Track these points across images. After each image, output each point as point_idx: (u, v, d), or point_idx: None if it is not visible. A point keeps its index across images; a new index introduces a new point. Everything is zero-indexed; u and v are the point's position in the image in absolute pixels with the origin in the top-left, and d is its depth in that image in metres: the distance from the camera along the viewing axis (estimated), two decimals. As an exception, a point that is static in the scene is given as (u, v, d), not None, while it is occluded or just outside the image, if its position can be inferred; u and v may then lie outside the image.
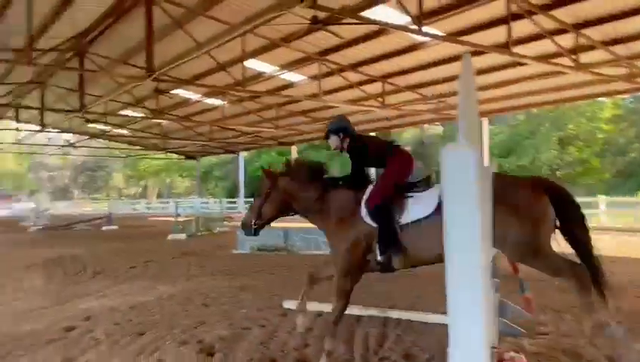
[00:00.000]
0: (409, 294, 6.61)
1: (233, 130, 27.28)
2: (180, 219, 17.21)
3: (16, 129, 27.41)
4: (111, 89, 21.25)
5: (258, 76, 17.01)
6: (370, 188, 4.14)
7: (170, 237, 15.67)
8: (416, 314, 5.30)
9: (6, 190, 63.89)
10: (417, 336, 4.71)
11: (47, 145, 34.67)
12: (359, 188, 4.19)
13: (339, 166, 26.39)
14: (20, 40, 15.97)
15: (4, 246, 14.10)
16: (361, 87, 16.62)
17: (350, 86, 16.59)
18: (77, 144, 34.70)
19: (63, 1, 13.50)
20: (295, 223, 9.27)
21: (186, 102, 22.81)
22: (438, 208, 3.50)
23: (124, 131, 30.98)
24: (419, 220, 3.84)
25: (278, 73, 16.59)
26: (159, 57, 13.51)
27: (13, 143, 30.42)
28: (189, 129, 27.46)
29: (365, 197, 4.09)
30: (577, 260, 3.63)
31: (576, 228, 3.70)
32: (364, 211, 4.04)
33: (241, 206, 29.89)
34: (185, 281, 8.09)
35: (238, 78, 14.78)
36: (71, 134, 33.88)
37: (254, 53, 14.84)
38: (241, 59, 14.39)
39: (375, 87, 16.93)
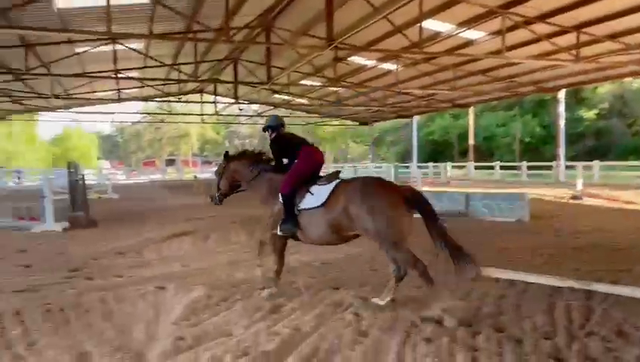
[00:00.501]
0: (613, 268, 6.01)
1: (407, 93, 27.09)
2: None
3: (214, 102, 30.85)
4: (293, 60, 22.61)
5: (435, 36, 16.54)
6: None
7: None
8: (626, 289, 4.81)
9: (207, 156, 73.01)
10: (628, 313, 4.30)
11: (239, 115, 38.42)
12: (282, 174, 5.28)
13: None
14: (216, 21, 17.86)
15: (212, 205, 16.14)
16: (550, 40, 15.11)
17: (537, 39, 15.19)
18: (264, 114, 37.87)
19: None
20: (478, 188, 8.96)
21: (361, 68, 23.22)
22: (326, 202, 4.74)
23: (304, 100, 32.84)
24: (309, 209, 4.89)
25: (457, 31, 15.91)
26: (337, 26, 13.95)
27: (212, 114, 34.32)
28: (363, 95, 27.95)
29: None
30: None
31: (431, 223, 4.52)
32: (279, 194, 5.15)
33: (415, 170, 29.79)
34: (370, 242, 8.43)
35: (414, 40, 14.54)
36: (258, 105, 37.04)
37: (432, 13, 14.43)
38: (417, 20, 14.07)
39: (567, 39, 15.26)
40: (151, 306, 4.91)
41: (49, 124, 60.52)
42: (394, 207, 4.51)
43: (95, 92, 28.72)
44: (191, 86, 31.91)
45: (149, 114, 38.68)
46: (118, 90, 27.27)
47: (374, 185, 4.74)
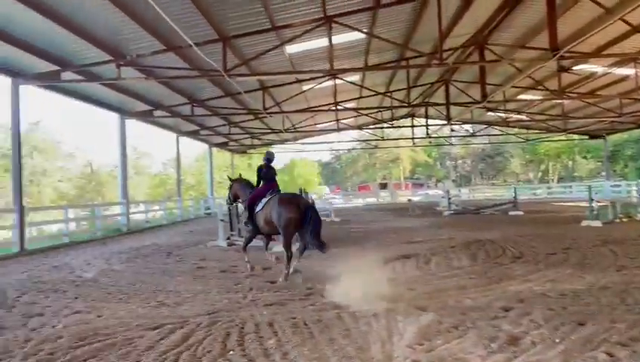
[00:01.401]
0: None
1: (651, 99, 23.39)
2: (596, 203, 15.88)
3: (426, 124, 31.00)
4: (510, 75, 21.53)
5: (687, 30, 14.05)
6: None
7: (584, 223, 14.73)
8: None
9: (419, 178, 73.57)
10: None
11: (451, 136, 37.88)
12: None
13: None
14: (428, 45, 18.06)
15: (429, 228, 16.18)
16: None
17: None
18: (477, 133, 36.67)
19: (464, 4, 14.55)
20: None
21: (590, 76, 20.91)
22: (263, 207, 8.03)
23: (522, 116, 30.84)
24: (257, 212, 8.17)
25: None
26: (560, 34, 12.90)
27: (424, 137, 34.50)
28: (594, 105, 25.01)
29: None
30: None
31: (310, 225, 7.48)
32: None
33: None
34: (614, 272, 7.44)
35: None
36: (470, 125, 36.05)
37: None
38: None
39: None
40: (383, 327, 5.09)
41: (279, 156, 67.92)
42: (288, 211, 7.58)
43: (317, 124, 31.49)
44: (403, 111, 32.73)
45: (363, 141, 40.69)
46: (337, 120, 29.39)
47: (282, 198, 7.89)
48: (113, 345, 4.83)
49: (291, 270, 7.85)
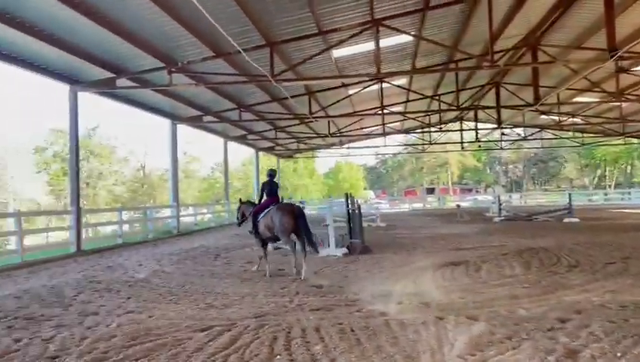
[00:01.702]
0: None
1: None
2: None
3: (475, 128, 30.29)
4: (564, 77, 20.78)
5: None
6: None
7: (645, 232, 14.01)
8: None
9: (468, 183, 72.00)
10: None
11: (501, 140, 36.88)
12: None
13: None
14: (478, 48, 17.66)
15: (478, 234, 15.77)
16: None
17: None
18: (529, 137, 35.54)
19: (516, 4, 14.15)
20: None
21: (652, 77, 19.90)
22: (264, 216, 9.18)
23: (577, 119, 29.68)
24: (260, 219, 9.33)
25: None
26: (618, 34, 12.36)
27: (473, 142, 33.74)
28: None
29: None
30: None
31: (302, 227, 8.84)
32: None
33: None
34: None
35: None
36: (522, 128, 34.94)
37: None
38: None
39: None
40: (433, 336, 4.95)
41: (324, 160, 68.18)
42: (284, 218, 8.82)
43: (363, 128, 31.37)
44: (451, 115, 32.13)
45: (410, 145, 40.21)
46: (383, 124, 29.13)
47: (279, 207, 9.10)
48: (163, 346, 4.92)
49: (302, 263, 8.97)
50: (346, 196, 12.76)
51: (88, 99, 16.02)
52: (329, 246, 11.85)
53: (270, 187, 9.65)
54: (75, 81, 14.33)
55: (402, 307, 6.24)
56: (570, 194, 23.21)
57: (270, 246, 13.06)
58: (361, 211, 12.59)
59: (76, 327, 5.78)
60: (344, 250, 11.71)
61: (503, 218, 22.34)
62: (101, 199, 44.66)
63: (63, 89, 14.42)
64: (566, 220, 20.06)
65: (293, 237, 9.04)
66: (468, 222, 22.08)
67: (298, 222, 8.82)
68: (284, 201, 10.57)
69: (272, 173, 9.82)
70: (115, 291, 8.04)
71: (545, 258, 9.96)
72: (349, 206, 12.37)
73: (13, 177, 35.60)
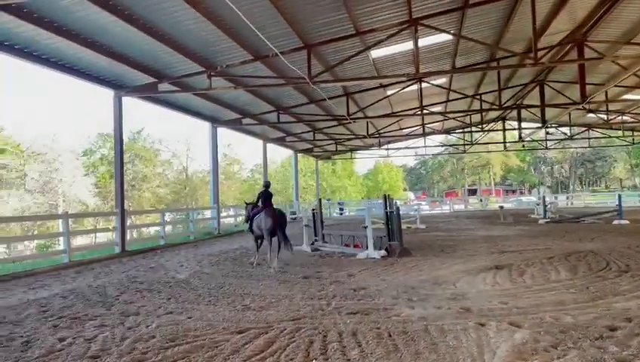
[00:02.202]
0: None
1: None
2: None
3: (519, 128, 29.49)
4: (612, 74, 19.99)
5: None
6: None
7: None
8: None
9: (511, 184, 70.22)
10: None
11: (546, 140, 35.77)
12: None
13: None
14: (521, 45, 17.18)
15: (522, 237, 15.31)
16: None
17: None
18: (575, 136, 34.34)
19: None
20: None
21: None
22: (257, 218, 11.22)
23: (626, 117, 28.50)
24: (254, 219, 11.35)
25: None
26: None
27: (516, 141, 32.86)
28: None
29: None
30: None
31: (279, 229, 10.75)
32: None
33: None
34: None
35: None
36: (568, 127, 33.81)
37: None
38: None
39: None
40: (474, 343, 4.80)
41: (363, 161, 67.94)
42: (267, 220, 10.72)
43: (402, 129, 31.06)
44: (493, 114, 31.41)
45: (451, 145, 39.53)
46: (422, 125, 28.77)
47: (266, 212, 10.91)
48: (201, 347, 4.96)
49: (275, 258, 10.81)
50: (385, 197, 12.61)
51: (133, 104, 16.48)
52: (367, 248, 11.75)
53: (265, 195, 11.50)
54: (119, 87, 14.77)
55: (442, 312, 6.09)
56: (619, 195, 22.22)
57: (308, 247, 13.16)
58: (400, 213, 12.40)
59: (117, 327, 5.91)
60: (382, 252, 11.58)
61: (548, 220, 21.63)
62: (145, 201, 45.93)
63: (108, 94, 14.90)
64: (615, 222, 19.20)
65: (277, 236, 10.86)
66: (511, 224, 21.49)
67: (277, 225, 10.81)
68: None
69: (267, 185, 11.93)
70: (156, 291, 8.19)
71: (593, 262, 9.54)
72: (388, 207, 12.21)
73: (62, 180, 37.02)
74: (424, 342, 4.88)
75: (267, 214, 10.97)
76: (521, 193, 68.47)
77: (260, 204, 11.51)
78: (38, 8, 10.12)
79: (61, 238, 13.12)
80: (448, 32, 13.79)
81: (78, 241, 32.82)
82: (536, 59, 12.75)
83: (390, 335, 5.14)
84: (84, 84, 14.61)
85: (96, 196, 39.37)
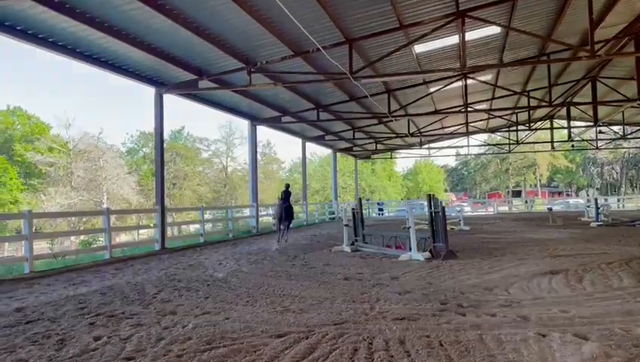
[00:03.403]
0: None
1: None
2: None
3: (568, 127, 28.23)
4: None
5: None
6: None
7: None
8: None
9: (557, 185, 67.74)
10: None
11: (597, 139, 34.18)
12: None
13: None
14: (573, 39, 16.29)
15: (575, 240, 14.47)
16: None
17: None
18: (628, 136, 32.67)
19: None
20: None
21: None
22: (275, 209, 16.46)
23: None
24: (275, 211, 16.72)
25: None
26: None
27: (565, 141, 31.52)
28: None
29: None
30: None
31: (285, 218, 15.52)
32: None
33: None
34: None
35: None
36: (619, 126, 32.21)
37: None
38: None
39: None
40: (537, 355, 4.33)
41: (402, 160, 67.02)
42: (277, 211, 15.59)
43: (444, 127, 30.24)
44: (541, 113, 30.23)
45: (495, 145, 38.31)
46: (466, 123, 27.92)
47: (279, 204, 15.53)
48: (239, 352, 4.68)
49: (280, 240, 15.36)
50: (429, 197, 12.11)
51: (175, 102, 16.57)
52: (410, 249, 11.29)
53: (285, 194, 15.86)
54: (160, 84, 14.79)
55: (497, 320, 5.61)
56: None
57: (348, 248, 12.80)
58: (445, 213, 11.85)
59: (154, 327, 5.71)
60: (427, 254, 11.09)
61: (600, 223, 20.52)
62: (186, 199, 46.59)
63: (149, 91, 14.94)
64: (676, 227, 18.01)
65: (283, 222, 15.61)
66: (561, 226, 20.49)
67: (284, 214, 15.46)
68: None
69: (287, 186, 16.35)
70: (194, 290, 8.01)
71: (661, 269, 8.79)
72: (432, 207, 11.70)
73: (106, 177, 37.92)
74: (480, 354, 4.44)
75: (279, 207, 15.66)
76: (568, 195, 65.97)
77: (279, 199, 15.81)
78: (77, 2, 10.15)
79: (103, 234, 13.17)
80: (498, 24, 13.13)
81: (122, 238, 33.60)
82: (593, 51, 11.97)
83: (442, 345, 4.72)
84: (125, 82, 14.72)
85: (139, 194, 40.16)
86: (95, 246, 20.92)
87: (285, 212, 15.35)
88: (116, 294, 7.85)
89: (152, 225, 15.70)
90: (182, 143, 50.10)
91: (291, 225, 16.84)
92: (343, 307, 6.50)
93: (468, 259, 10.81)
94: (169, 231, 16.19)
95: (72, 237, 32.67)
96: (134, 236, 32.86)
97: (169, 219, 37.21)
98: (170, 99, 15.84)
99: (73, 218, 34.75)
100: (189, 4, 10.69)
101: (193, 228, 22.35)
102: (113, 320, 6.16)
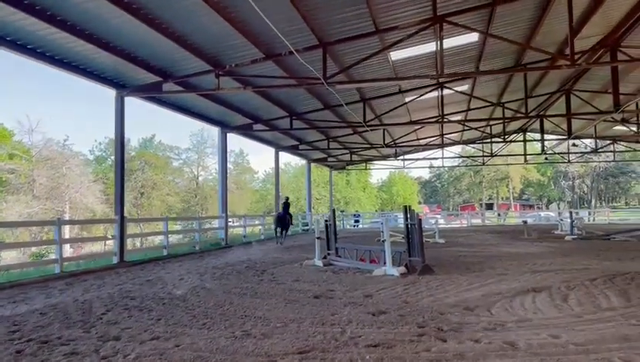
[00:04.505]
0: None
1: None
2: None
3: (541, 140, 28.24)
4: (647, 82, 18.84)
5: None
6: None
7: None
8: None
9: (528, 198, 68.39)
10: None
11: (568, 152, 34.40)
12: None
13: None
14: (549, 50, 16.09)
15: (553, 254, 14.09)
16: None
17: None
18: (600, 149, 32.95)
19: (596, 2, 12.74)
20: None
21: None
22: (275, 217, 20.56)
23: (655, 129, 27.13)
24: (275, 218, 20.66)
25: None
26: None
27: (538, 154, 31.57)
28: None
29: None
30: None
31: (283, 224, 19.65)
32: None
33: None
34: None
35: None
36: (590, 139, 32.47)
37: None
38: None
39: None
40: (532, 395, 3.71)
41: (377, 172, 66.84)
42: (276, 219, 19.89)
43: (419, 139, 29.95)
44: (513, 126, 30.23)
45: (469, 157, 38.25)
46: (442, 135, 27.68)
47: (279, 213, 20.19)
48: (183, 390, 3.93)
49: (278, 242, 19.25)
50: (405, 209, 11.53)
51: (146, 110, 15.70)
52: (385, 264, 10.66)
53: (284, 205, 19.62)
54: (121, 86, 13.92)
55: (481, 347, 4.99)
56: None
57: (320, 262, 12.11)
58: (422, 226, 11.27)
59: (89, 357, 4.93)
60: (402, 268, 10.48)
61: (575, 236, 20.33)
62: (155, 209, 45.19)
63: (110, 94, 14.07)
64: (650, 240, 17.87)
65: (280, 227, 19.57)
66: (536, 240, 20.21)
67: (281, 221, 19.25)
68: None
69: (287, 198, 19.99)
70: (146, 310, 7.20)
71: (648, 286, 8.36)
72: (409, 220, 11.12)
73: (69, 186, 36.38)
74: (467, 392, 3.80)
75: (278, 215, 19.73)
76: (539, 208, 66.59)
77: (280, 209, 20.24)
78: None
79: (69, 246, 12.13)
80: (476, 30, 12.73)
81: (88, 249, 32.12)
82: (573, 60, 11.65)
83: (421, 379, 4.07)
84: (97, 87, 13.79)
85: (105, 203, 38.69)
86: (47, 258, 19.67)
87: (282, 221, 19.32)
88: (58, 314, 7.01)
89: (110, 236, 14.71)
90: (152, 152, 48.76)
91: (289, 232, 21.80)
92: (311, 331, 5.80)
93: (445, 275, 10.23)
94: (131, 243, 15.19)
95: (23, 249, 31.26)
96: (102, 247, 31.44)
97: (136, 230, 35.89)
98: (141, 107, 14.97)
99: (34, 228, 33.18)
100: (152, 1, 9.96)
101: (159, 239, 21.31)
102: (45, 347, 5.35)
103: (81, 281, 10.43)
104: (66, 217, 34.34)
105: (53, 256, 14.11)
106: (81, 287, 9.59)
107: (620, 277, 9.27)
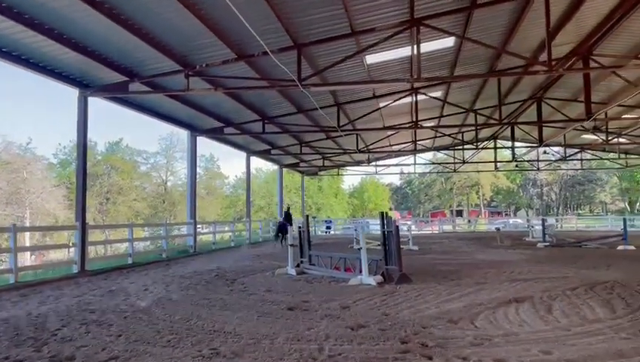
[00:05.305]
0: None
1: None
2: None
3: (512, 147, 28.45)
4: (614, 92, 19.13)
5: None
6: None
7: None
8: None
9: (497, 205, 69.36)
10: None
11: (538, 160, 34.85)
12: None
13: None
14: (525, 55, 16.06)
15: (528, 262, 13.97)
16: None
17: None
18: (569, 157, 33.49)
19: (569, 10, 12.74)
20: None
21: None
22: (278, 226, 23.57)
23: (623, 139, 27.67)
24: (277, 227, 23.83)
25: None
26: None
27: (508, 161, 31.87)
28: None
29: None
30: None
31: (284, 232, 20.68)
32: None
33: None
34: None
35: None
36: (559, 147, 32.98)
37: None
38: None
39: None
40: (533, 423, 3.35)
41: (349, 178, 66.65)
42: (279, 226, 22.73)
43: (392, 145, 29.83)
44: (485, 133, 30.41)
45: (441, 163, 38.42)
46: (414, 141, 27.60)
47: (280, 221, 23.85)
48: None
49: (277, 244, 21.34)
50: (382, 215, 11.19)
51: (113, 112, 14.93)
52: (361, 272, 10.27)
53: (285, 214, 22.97)
54: (84, 85, 13.20)
55: (469, 365, 4.64)
56: (625, 219, 21.05)
57: (293, 270, 11.67)
58: (399, 233, 10.94)
59: (36, 382, 4.35)
60: (378, 277, 10.11)
61: (547, 243, 20.40)
62: (122, 215, 43.87)
63: (73, 93, 13.33)
64: (620, 248, 18.01)
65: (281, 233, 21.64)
66: (509, 247, 20.19)
67: (283, 229, 20.45)
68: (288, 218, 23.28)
69: (289, 207, 23.94)
70: (106, 325, 6.62)
71: (627, 295, 8.16)
72: (385, 226, 10.77)
73: (29, 190, 34.92)
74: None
75: (279, 223, 22.33)
76: (507, 215, 67.61)
77: (281, 217, 23.43)
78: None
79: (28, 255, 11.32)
80: (453, 34, 12.54)
81: (51, 256, 30.76)
82: (551, 65, 11.56)
83: (410, 406, 3.67)
84: (49, 82, 13.01)
85: (68, 208, 37.26)
86: (1, 268, 18.63)
87: (283, 228, 20.92)
88: (8, 330, 6.39)
89: (70, 243, 13.90)
90: (119, 156, 47.42)
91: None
92: (286, 348, 5.34)
93: (423, 284, 9.90)
94: (95, 251, 14.40)
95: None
96: (65, 255, 30.14)
97: (102, 237, 34.65)
98: (109, 110, 14.24)
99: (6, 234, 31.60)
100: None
101: (124, 247, 20.48)
102: (-13, 371, 4.75)
103: (37, 293, 9.72)
104: (27, 223, 32.87)
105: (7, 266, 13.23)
106: (36, 299, 8.91)
107: (599, 286, 9.11)
